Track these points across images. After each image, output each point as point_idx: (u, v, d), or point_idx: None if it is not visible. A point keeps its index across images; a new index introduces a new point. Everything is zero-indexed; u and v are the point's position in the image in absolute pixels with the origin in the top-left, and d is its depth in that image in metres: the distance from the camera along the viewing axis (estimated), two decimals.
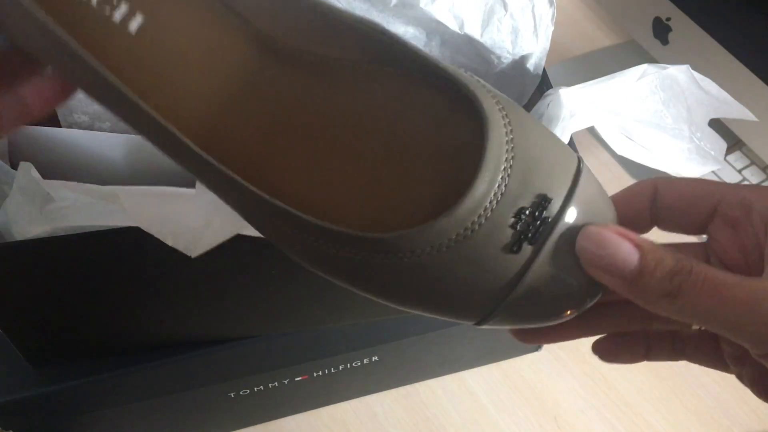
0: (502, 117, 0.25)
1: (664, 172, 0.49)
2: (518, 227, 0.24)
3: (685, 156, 0.47)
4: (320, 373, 0.52)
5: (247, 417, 0.55)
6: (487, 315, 0.25)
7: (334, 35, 0.27)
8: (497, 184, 0.24)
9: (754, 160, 0.70)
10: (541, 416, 0.57)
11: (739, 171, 0.70)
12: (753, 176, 0.69)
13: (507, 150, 0.24)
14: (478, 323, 0.26)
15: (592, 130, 0.44)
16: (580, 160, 0.26)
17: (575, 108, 0.42)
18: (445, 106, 0.27)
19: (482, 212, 0.24)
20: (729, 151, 0.70)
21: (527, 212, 0.24)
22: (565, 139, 0.42)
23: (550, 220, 0.24)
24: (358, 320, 0.50)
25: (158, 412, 0.51)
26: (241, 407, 0.53)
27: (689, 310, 0.24)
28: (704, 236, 0.30)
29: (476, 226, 0.24)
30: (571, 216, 0.24)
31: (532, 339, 0.31)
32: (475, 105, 0.25)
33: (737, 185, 0.28)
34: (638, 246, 0.24)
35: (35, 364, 0.45)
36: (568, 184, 0.25)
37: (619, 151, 0.45)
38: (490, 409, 0.57)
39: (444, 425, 0.57)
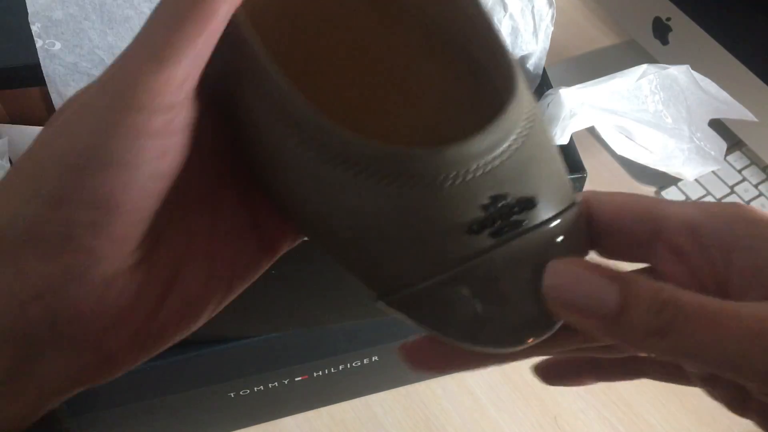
0: (529, 96, 0.23)
1: (664, 172, 0.49)
2: (489, 209, 0.21)
3: (685, 156, 0.47)
4: (320, 373, 0.52)
5: (247, 417, 0.55)
6: (402, 287, 0.21)
7: None
8: (499, 151, 0.21)
9: (754, 160, 0.70)
10: (541, 416, 0.57)
11: (739, 171, 0.70)
12: (753, 176, 0.69)
13: (524, 124, 0.21)
14: (381, 296, 0.22)
15: (592, 130, 0.45)
16: (577, 201, 0.23)
17: (575, 108, 0.42)
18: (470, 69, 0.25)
19: (470, 168, 0.20)
20: (729, 151, 0.70)
21: (506, 202, 0.21)
22: (565, 139, 0.42)
23: (524, 225, 0.21)
24: (358, 320, 0.50)
25: (158, 412, 0.51)
26: (241, 407, 0.53)
27: (683, 348, 0.20)
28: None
29: (456, 179, 0.20)
30: (546, 236, 0.21)
31: (432, 360, 0.25)
32: (508, 71, 0.22)
33: (679, 203, 0.24)
34: (617, 279, 0.20)
35: None
36: (561, 206, 0.22)
37: (619, 151, 0.45)
38: (490, 409, 0.57)
39: (444, 425, 0.57)
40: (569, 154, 0.43)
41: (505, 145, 0.21)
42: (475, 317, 0.21)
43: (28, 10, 0.42)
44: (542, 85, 0.48)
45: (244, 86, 0.22)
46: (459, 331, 0.21)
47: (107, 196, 0.20)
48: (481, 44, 0.24)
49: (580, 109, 0.42)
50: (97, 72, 0.44)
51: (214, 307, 0.25)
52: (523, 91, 0.22)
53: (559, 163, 0.23)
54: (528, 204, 0.21)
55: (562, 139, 0.42)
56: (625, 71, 0.45)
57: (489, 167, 0.20)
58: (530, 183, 0.21)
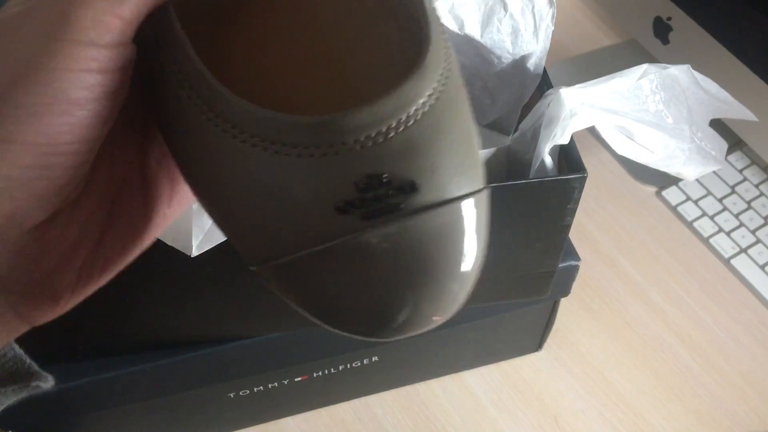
0: (446, 60, 0.21)
1: (665, 172, 0.49)
2: (361, 188, 0.19)
3: (686, 156, 0.47)
4: (320, 373, 0.52)
5: (247, 417, 0.55)
6: (270, 258, 0.20)
7: None
8: (384, 127, 0.19)
9: (754, 160, 0.70)
10: (541, 416, 0.57)
11: (740, 171, 0.70)
12: (754, 176, 0.69)
13: (428, 93, 0.20)
14: (255, 264, 0.21)
15: (592, 130, 0.44)
16: (486, 189, 0.21)
17: (576, 108, 0.42)
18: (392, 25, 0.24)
19: (347, 141, 0.19)
20: (730, 151, 0.70)
21: (383, 181, 0.19)
22: (566, 139, 0.42)
23: (400, 209, 0.19)
24: None
25: (158, 412, 0.51)
26: (240, 407, 0.53)
27: None
28: None
29: (329, 151, 0.19)
30: (426, 223, 0.19)
31: None
32: (423, 29, 0.21)
33: None
34: None
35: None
36: (455, 192, 0.20)
37: (620, 151, 0.45)
38: (490, 410, 0.57)
39: (444, 425, 0.57)
40: (570, 154, 0.43)
41: (393, 122, 0.19)
42: (331, 299, 0.20)
43: None
44: (542, 85, 0.48)
45: None
46: (316, 311, 0.21)
47: (53, 135, 0.19)
48: None
49: (581, 108, 0.42)
50: None
51: (156, 228, 0.24)
52: (432, 62, 0.20)
53: (467, 143, 0.21)
54: (408, 187, 0.19)
55: (562, 138, 0.42)
56: (626, 71, 0.45)
57: (370, 143, 0.19)
58: (417, 164, 0.19)
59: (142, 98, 0.23)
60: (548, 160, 0.43)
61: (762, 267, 0.64)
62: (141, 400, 0.49)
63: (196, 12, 0.24)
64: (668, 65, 0.47)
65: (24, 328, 0.22)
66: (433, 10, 0.22)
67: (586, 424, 0.57)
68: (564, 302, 0.56)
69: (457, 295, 0.20)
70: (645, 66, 0.46)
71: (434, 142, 0.20)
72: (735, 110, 0.52)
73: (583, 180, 0.42)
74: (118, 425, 0.51)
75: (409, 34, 0.23)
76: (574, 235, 0.51)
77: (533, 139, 0.44)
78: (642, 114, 0.46)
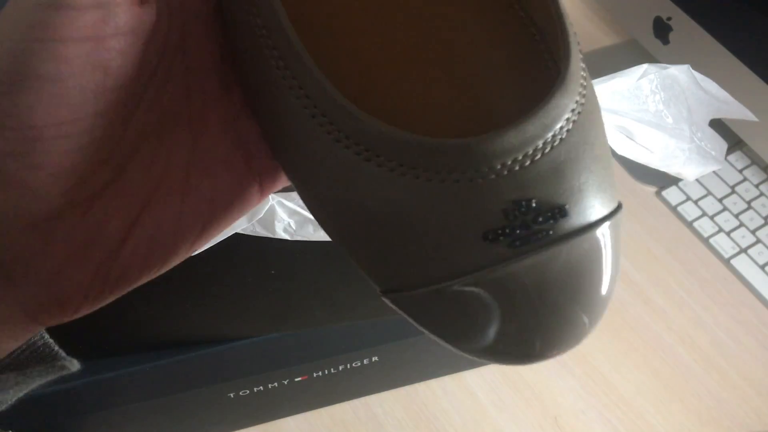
0: (582, 78, 0.20)
1: (665, 172, 0.49)
2: (510, 216, 0.18)
3: (686, 156, 0.47)
4: (320, 373, 0.52)
5: (247, 418, 0.55)
6: (406, 287, 0.19)
7: None
8: (530, 149, 0.18)
9: (755, 160, 0.70)
10: (541, 417, 0.57)
11: (740, 171, 0.70)
12: (754, 176, 0.69)
13: (569, 116, 0.19)
14: (385, 291, 0.20)
15: None
16: (620, 206, 0.20)
17: None
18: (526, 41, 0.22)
19: (494, 167, 0.18)
20: (730, 151, 0.70)
21: (531, 207, 0.18)
22: None
23: (549, 235, 0.18)
24: (358, 320, 0.50)
25: (157, 413, 0.51)
26: (240, 408, 0.53)
27: None
28: None
29: (475, 178, 0.18)
30: (574, 249, 0.19)
31: None
32: (563, 50, 0.20)
33: None
34: None
35: None
36: (599, 213, 0.19)
37: (620, 151, 0.45)
38: (490, 410, 0.57)
39: (444, 426, 0.57)
40: None
41: (540, 142, 0.18)
42: (476, 330, 0.19)
43: None
44: None
45: (256, 36, 0.20)
46: (457, 341, 0.20)
47: (28, 118, 0.16)
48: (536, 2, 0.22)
49: None
50: None
51: (186, 249, 0.21)
52: (574, 74, 0.19)
53: (606, 157, 0.20)
54: (557, 212, 0.18)
55: None
56: (626, 71, 0.45)
57: (517, 166, 0.18)
58: (565, 186, 0.18)
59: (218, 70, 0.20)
60: None
61: (762, 267, 0.64)
62: (141, 400, 0.49)
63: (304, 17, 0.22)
64: (668, 65, 0.47)
65: (35, 328, 0.20)
66: (566, 14, 0.21)
67: (586, 425, 0.57)
68: None
69: (598, 317, 0.20)
70: (645, 66, 0.46)
71: (581, 160, 0.19)
72: (735, 110, 0.52)
73: None
74: (118, 425, 0.51)
75: (539, 41, 0.22)
76: None
77: None
78: (642, 114, 0.46)
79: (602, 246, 0.19)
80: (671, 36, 0.70)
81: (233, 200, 0.21)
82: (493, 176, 0.18)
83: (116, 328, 0.45)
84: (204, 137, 0.21)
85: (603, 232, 0.19)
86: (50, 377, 0.24)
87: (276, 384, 0.52)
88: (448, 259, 0.18)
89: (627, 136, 0.45)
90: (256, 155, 0.21)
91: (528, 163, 0.18)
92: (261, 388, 0.52)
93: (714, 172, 0.64)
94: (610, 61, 0.78)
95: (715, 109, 0.51)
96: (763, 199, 0.68)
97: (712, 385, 0.59)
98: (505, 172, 0.18)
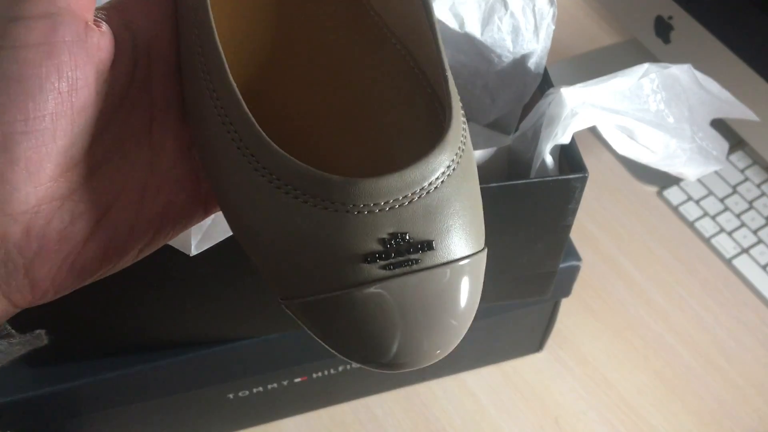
0: (462, 135, 0.24)
1: (666, 172, 0.49)
2: (387, 245, 0.22)
3: (687, 156, 0.47)
4: (319, 374, 0.52)
5: (246, 418, 0.55)
6: (298, 295, 0.23)
7: None
8: (409, 192, 0.22)
9: (756, 160, 0.70)
10: (541, 417, 0.57)
11: (742, 171, 0.70)
12: (755, 176, 0.69)
13: (444, 169, 0.23)
14: (282, 297, 0.24)
15: (593, 130, 0.45)
16: (484, 248, 0.25)
17: (577, 107, 0.42)
18: (415, 87, 0.27)
19: (379, 203, 0.22)
20: (731, 150, 0.70)
21: (405, 239, 0.23)
22: (567, 139, 0.42)
23: (417, 263, 0.23)
24: None
25: (156, 413, 0.51)
26: (239, 409, 0.53)
27: None
28: None
29: (362, 210, 0.22)
30: (436, 278, 0.23)
31: None
32: (446, 107, 0.24)
33: None
34: None
35: (33, 364, 0.45)
36: (463, 253, 0.23)
37: (621, 151, 0.45)
38: (490, 411, 0.57)
39: (444, 427, 0.57)
40: (570, 154, 0.43)
41: (417, 188, 0.23)
42: (351, 337, 0.23)
43: None
44: (543, 84, 0.48)
45: (193, 54, 0.24)
46: (336, 345, 0.24)
47: (2, 114, 0.20)
48: (427, 57, 0.26)
49: (582, 108, 0.42)
50: None
51: (136, 253, 0.25)
52: (454, 133, 0.24)
53: (476, 206, 0.25)
54: (426, 246, 0.23)
55: (563, 138, 0.42)
56: (627, 70, 0.45)
57: (397, 205, 0.22)
58: (434, 226, 0.23)
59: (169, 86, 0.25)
60: (549, 160, 0.43)
61: (763, 267, 0.64)
62: (141, 401, 0.49)
63: (237, 47, 0.27)
64: (669, 64, 0.47)
65: (11, 310, 0.23)
66: (453, 83, 0.25)
67: (587, 425, 0.57)
68: (565, 303, 0.57)
69: (457, 333, 0.24)
70: (646, 65, 0.46)
71: (449, 207, 0.23)
72: (736, 110, 0.52)
73: (584, 180, 0.42)
74: (118, 425, 0.51)
75: (432, 101, 0.27)
76: (575, 235, 0.51)
77: (534, 138, 0.44)
78: (643, 113, 0.46)
79: (461, 279, 0.23)
80: (672, 35, 0.71)
81: (181, 217, 0.25)
82: (376, 210, 0.22)
83: (117, 328, 0.45)
84: (161, 160, 0.25)
85: (463, 268, 0.23)
86: (20, 349, 0.27)
87: (275, 385, 0.52)
88: (330, 275, 0.22)
89: (628, 136, 0.45)
90: (203, 180, 0.26)
91: (407, 203, 0.22)
92: (260, 389, 0.52)
93: (715, 171, 0.64)
94: (611, 60, 0.78)
95: (717, 108, 0.51)
96: (764, 199, 0.68)
97: (712, 386, 0.59)
98: (387, 209, 0.22)
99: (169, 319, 0.45)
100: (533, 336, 0.59)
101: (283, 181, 0.22)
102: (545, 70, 0.48)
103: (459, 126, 0.24)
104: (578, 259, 0.51)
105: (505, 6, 0.45)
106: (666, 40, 0.71)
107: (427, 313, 0.23)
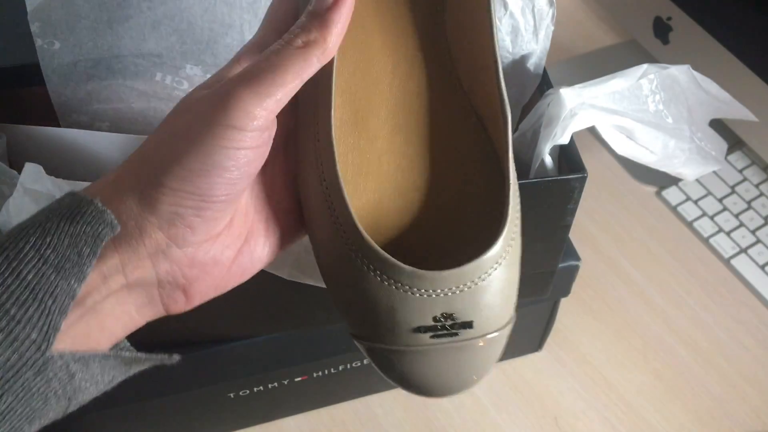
0: (515, 224, 0.31)
1: (665, 172, 0.49)
2: (437, 320, 0.30)
3: (686, 156, 0.47)
4: (320, 373, 0.52)
5: (247, 417, 0.55)
6: (365, 339, 0.31)
7: None
8: (460, 285, 0.29)
9: (754, 160, 0.70)
10: (541, 417, 0.57)
11: (740, 171, 0.70)
12: (754, 176, 0.69)
13: (492, 265, 0.30)
14: (355, 335, 0.32)
15: (592, 130, 0.45)
16: (512, 319, 0.32)
17: (576, 107, 0.42)
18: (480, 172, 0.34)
19: (436, 290, 0.29)
20: (730, 151, 0.70)
21: (452, 317, 0.30)
22: (566, 139, 0.42)
23: (458, 335, 0.30)
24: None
25: (157, 413, 0.51)
26: (240, 408, 0.53)
27: None
28: None
29: (423, 294, 0.29)
30: (472, 346, 0.30)
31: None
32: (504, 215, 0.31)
33: None
34: None
35: None
36: (497, 327, 0.31)
37: (620, 151, 0.45)
38: (490, 410, 0.57)
39: (444, 426, 0.57)
40: (570, 154, 0.43)
41: (468, 281, 0.29)
42: (400, 376, 0.32)
43: (27, 9, 0.42)
44: (542, 85, 0.48)
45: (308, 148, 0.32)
46: (388, 377, 0.32)
47: (208, 189, 0.28)
48: (501, 144, 0.33)
49: (581, 108, 0.42)
50: (96, 71, 0.44)
51: (259, 267, 0.33)
52: (508, 231, 0.30)
53: (514, 285, 0.32)
54: (467, 325, 0.30)
55: (562, 138, 0.42)
56: (626, 71, 0.45)
57: (450, 293, 0.29)
58: (476, 311, 0.30)
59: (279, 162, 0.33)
60: (548, 160, 0.43)
61: (762, 267, 0.64)
62: (141, 400, 0.49)
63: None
64: (668, 65, 0.47)
65: (162, 314, 0.31)
66: (514, 175, 0.32)
67: (586, 425, 0.57)
68: (564, 302, 0.57)
69: (475, 382, 0.32)
70: (645, 66, 0.46)
71: (491, 295, 0.30)
72: (735, 110, 0.52)
73: (583, 180, 0.42)
74: (118, 425, 0.51)
75: (495, 183, 0.33)
76: (574, 235, 0.51)
77: (533, 139, 0.44)
78: (642, 114, 0.46)
79: (490, 346, 0.31)
80: (671, 36, 0.71)
81: (288, 240, 0.34)
82: (434, 296, 0.29)
83: None
84: (273, 196, 0.34)
85: (494, 339, 0.31)
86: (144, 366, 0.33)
87: (276, 384, 0.52)
88: (394, 334, 0.30)
89: (627, 136, 0.45)
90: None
91: (458, 291, 0.29)
92: (261, 388, 0.52)
93: (714, 172, 0.64)
94: (610, 61, 0.78)
95: (715, 109, 0.51)
96: (763, 199, 0.68)
97: (712, 385, 0.59)
98: (442, 295, 0.29)
99: (169, 319, 0.45)
100: (533, 335, 0.59)
101: (366, 260, 0.30)
102: (544, 70, 0.48)
103: (515, 218, 0.31)
104: (577, 258, 0.51)
105: (505, 6, 0.46)
106: (665, 40, 0.71)
107: (458, 371, 0.31)
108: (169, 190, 0.27)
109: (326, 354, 0.50)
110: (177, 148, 0.28)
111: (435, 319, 0.30)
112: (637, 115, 0.45)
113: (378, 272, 0.29)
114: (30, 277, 0.25)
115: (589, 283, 0.64)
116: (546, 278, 0.49)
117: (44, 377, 0.26)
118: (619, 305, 0.63)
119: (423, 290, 0.29)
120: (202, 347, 0.47)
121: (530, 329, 0.58)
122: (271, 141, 0.30)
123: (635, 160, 0.46)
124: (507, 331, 0.31)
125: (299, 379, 0.52)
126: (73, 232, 0.26)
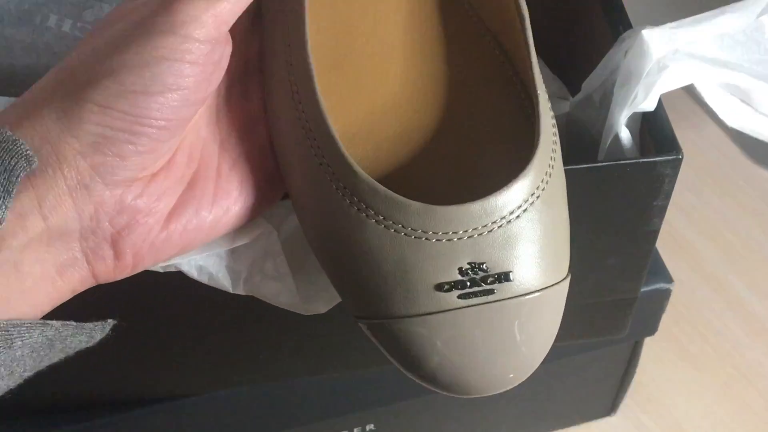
0: (551, 157, 0.32)
1: None
2: (464, 274, 0.30)
3: None
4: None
5: None
6: (373, 317, 0.32)
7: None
8: (489, 221, 0.30)
9: None
10: None
11: None
12: None
13: (528, 197, 0.31)
14: (358, 317, 0.33)
15: (691, 90, 0.44)
16: (567, 276, 0.33)
17: (666, 58, 0.42)
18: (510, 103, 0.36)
19: (458, 231, 0.30)
20: None
21: (482, 269, 0.30)
22: (652, 104, 0.42)
23: (494, 293, 0.30)
24: (346, 372, 0.50)
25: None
26: None
27: None
28: None
29: (442, 238, 0.30)
30: (512, 309, 0.31)
31: None
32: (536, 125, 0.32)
33: None
34: None
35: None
36: (543, 284, 0.31)
37: (731, 122, 0.45)
38: None
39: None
40: (657, 126, 0.43)
41: (497, 217, 0.30)
42: (425, 362, 0.32)
43: None
44: (617, 24, 0.47)
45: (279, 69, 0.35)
46: (406, 366, 0.32)
47: (144, 110, 0.31)
48: (522, 60, 0.36)
49: (673, 59, 0.42)
50: None
51: (220, 222, 0.36)
52: (540, 159, 0.32)
53: (561, 232, 0.33)
54: (503, 277, 0.30)
55: (646, 103, 0.42)
56: (740, 3, 0.45)
57: (476, 234, 0.30)
58: (513, 256, 0.31)
59: (234, 92, 0.37)
60: (625, 135, 0.43)
61: None
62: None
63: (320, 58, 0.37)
64: None
65: (90, 281, 0.34)
66: (545, 96, 0.34)
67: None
68: (649, 343, 0.57)
69: (530, 362, 0.32)
70: None
71: (531, 236, 0.31)
72: None
73: (677, 164, 0.42)
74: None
75: (523, 108, 0.36)
76: (663, 246, 0.51)
77: (603, 103, 0.44)
78: (763, 67, 0.45)
79: (537, 311, 0.31)
80: None
81: (252, 202, 0.37)
82: (455, 239, 0.30)
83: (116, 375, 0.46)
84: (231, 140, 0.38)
85: (540, 299, 0.31)
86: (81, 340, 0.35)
87: None
88: (407, 300, 0.31)
89: (741, 100, 0.45)
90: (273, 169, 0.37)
91: (486, 232, 0.30)
92: None
93: None
94: None
95: None
96: None
97: None
98: (465, 238, 0.30)
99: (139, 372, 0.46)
100: (604, 392, 0.59)
101: (363, 203, 0.31)
102: (620, 2, 0.48)
103: (548, 147, 0.32)
104: (669, 280, 0.52)
105: None
106: None
107: (499, 345, 0.31)
108: (96, 107, 0.31)
109: (304, 419, 0.52)
110: (108, 59, 0.31)
111: (461, 271, 0.30)
112: (755, 68, 0.45)
113: (378, 215, 0.31)
114: None
115: (686, 315, 0.64)
116: (623, 309, 0.49)
117: None
118: (731, 347, 0.63)
119: (441, 233, 0.30)
120: (172, 401, 0.49)
121: (600, 383, 0.58)
122: (224, 67, 0.34)
123: (754, 135, 0.46)
124: (560, 292, 0.32)
125: None
126: None
